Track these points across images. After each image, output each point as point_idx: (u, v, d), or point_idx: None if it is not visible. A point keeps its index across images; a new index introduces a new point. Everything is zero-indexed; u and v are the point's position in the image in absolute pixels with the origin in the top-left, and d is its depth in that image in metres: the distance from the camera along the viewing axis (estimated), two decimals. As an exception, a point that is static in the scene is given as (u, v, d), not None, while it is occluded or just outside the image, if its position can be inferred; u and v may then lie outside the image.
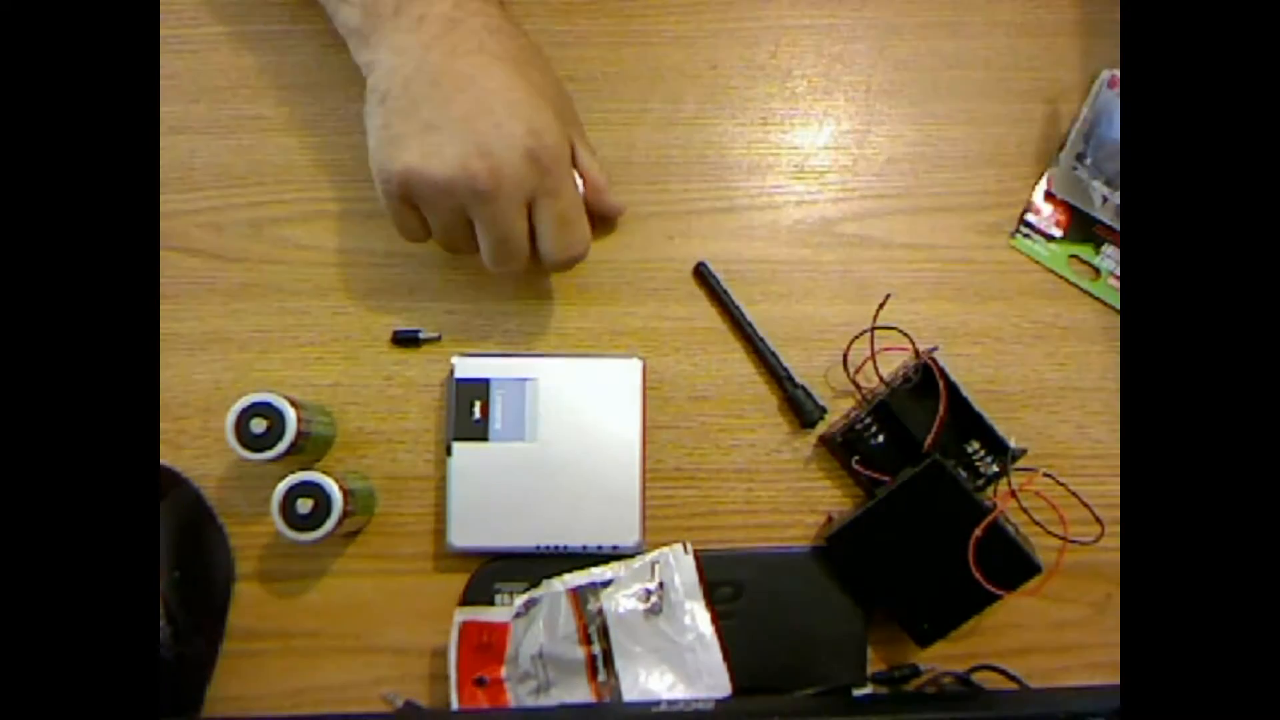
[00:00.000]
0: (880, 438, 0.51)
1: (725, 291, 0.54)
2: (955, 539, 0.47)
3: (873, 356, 0.52)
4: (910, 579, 0.49)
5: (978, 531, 0.47)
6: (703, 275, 0.54)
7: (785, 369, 0.53)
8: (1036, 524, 0.51)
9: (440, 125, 0.44)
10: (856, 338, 0.52)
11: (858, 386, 0.52)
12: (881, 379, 0.52)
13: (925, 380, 0.50)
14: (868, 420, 0.51)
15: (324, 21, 0.51)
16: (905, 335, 0.52)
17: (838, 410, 0.53)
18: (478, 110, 0.44)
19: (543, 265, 0.48)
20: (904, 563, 0.49)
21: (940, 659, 0.50)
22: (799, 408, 0.53)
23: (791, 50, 0.57)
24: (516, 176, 0.44)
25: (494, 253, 0.47)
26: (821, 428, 0.53)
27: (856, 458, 0.51)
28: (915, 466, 0.49)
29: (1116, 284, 0.54)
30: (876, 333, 0.52)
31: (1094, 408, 0.53)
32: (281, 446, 0.46)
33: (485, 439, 0.50)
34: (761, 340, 0.53)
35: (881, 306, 0.52)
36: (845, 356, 0.52)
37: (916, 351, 0.51)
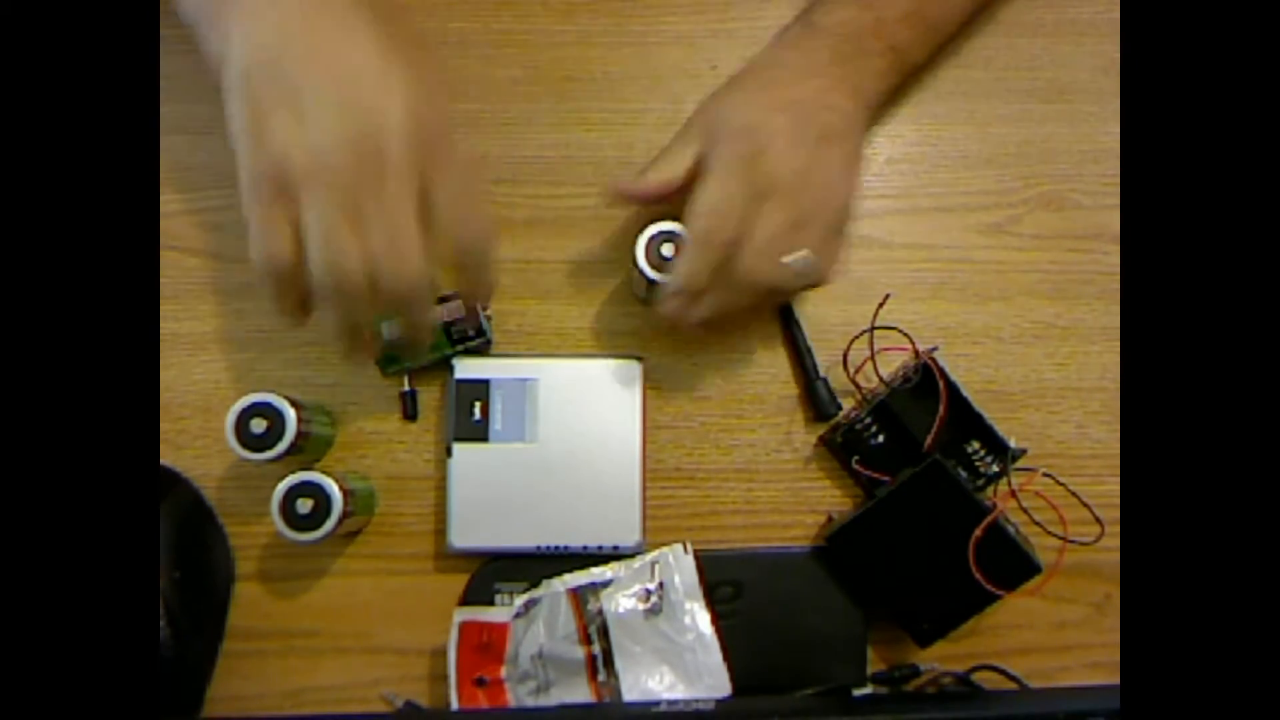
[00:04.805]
0: (880, 438, 0.51)
1: None
2: (955, 539, 0.47)
3: (872, 357, 0.52)
4: (910, 579, 0.49)
5: (978, 531, 0.47)
6: None
7: (814, 359, 0.53)
8: (1036, 524, 0.51)
9: (315, 102, 0.38)
10: (856, 338, 0.52)
11: (858, 386, 0.52)
12: (881, 379, 0.52)
13: (925, 380, 0.50)
14: (868, 420, 0.51)
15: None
16: (905, 335, 0.52)
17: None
18: (354, 78, 0.39)
19: (456, 256, 0.43)
20: (904, 563, 0.49)
21: (940, 659, 0.50)
22: (816, 400, 0.53)
23: (791, 50, 0.57)
24: (402, 150, 0.39)
25: (386, 248, 0.39)
26: (822, 428, 0.53)
27: (856, 458, 0.51)
28: (915, 466, 0.49)
29: None
30: (876, 333, 0.52)
31: (1094, 408, 0.53)
32: (281, 446, 0.46)
33: (485, 440, 0.50)
34: (796, 320, 0.53)
35: (881, 306, 0.52)
36: (845, 356, 0.52)
37: (916, 351, 0.51)
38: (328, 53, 0.39)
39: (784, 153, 0.46)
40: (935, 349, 0.51)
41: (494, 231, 0.44)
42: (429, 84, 0.41)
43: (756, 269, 0.46)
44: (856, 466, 0.51)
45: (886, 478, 0.50)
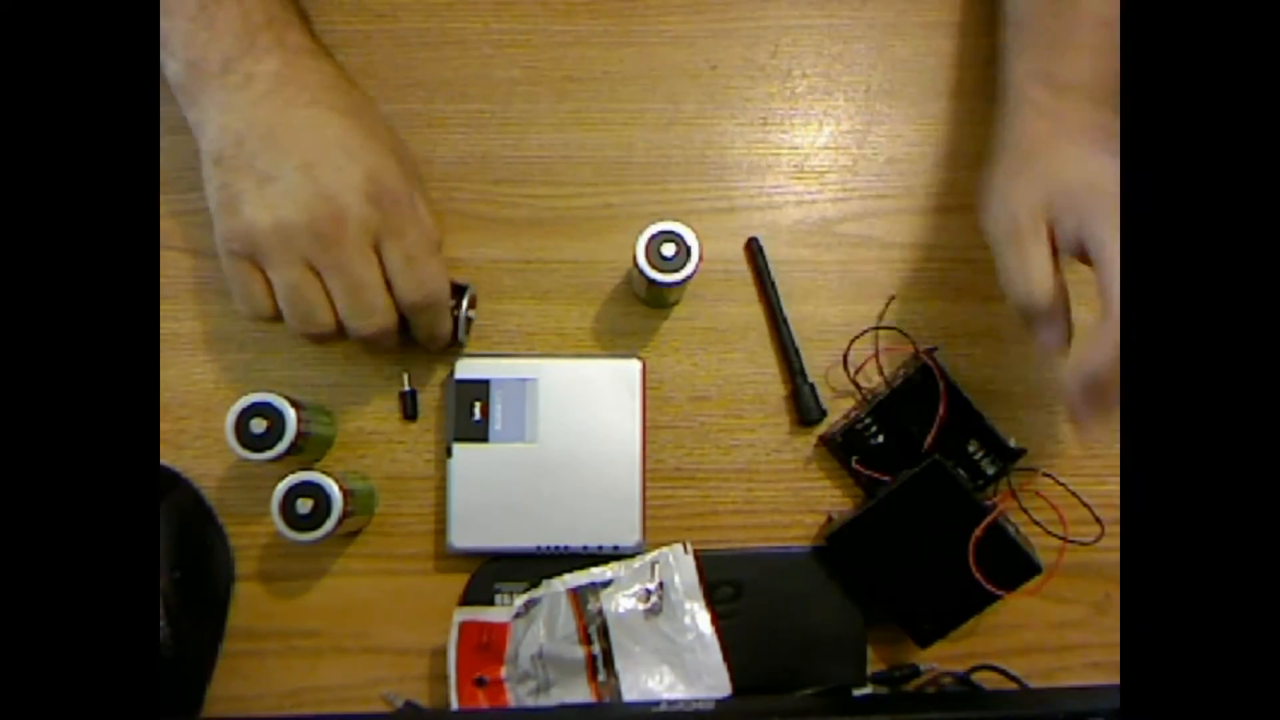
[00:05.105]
0: (880, 438, 0.51)
1: (768, 271, 0.54)
2: (955, 539, 0.47)
3: (875, 356, 0.52)
4: (910, 579, 0.49)
5: (978, 531, 0.47)
6: (753, 251, 0.54)
7: (801, 363, 0.53)
8: (1036, 524, 0.51)
9: (278, 175, 0.43)
10: (856, 338, 0.52)
11: (858, 386, 0.52)
12: (882, 379, 0.52)
13: (925, 380, 0.50)
14: (868, 420, 0.51)
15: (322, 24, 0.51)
16: (905, 335, 0.52)
17: (838, 410, 0.53)
18: (315, 158, 0.43)
19: (405, 314, 0.47)
20: (904, 563, 0.49)
21: (940, 659, 0.50)
22: (801, 404, 0.53)
23: (791, 50, 0.57)
24: (360, 217, 0.44)
25: (349, 305, 0.45)
26: (821, 428, 0.53)
27: (856, 458, 0.51)
28: (915, 466, 0.49)
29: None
30: (877, 333, 0.52)
31: (1094, 408, 0.53)
32: (281, 446, 0.46)
33: (485, 440, 0.50)
34: (785, 323, 0.53)
35: (886, 307, 0.52)
36: (845, 356, 0.52)
37: (916, 351, 0.51)
38: (293, 137, 0.44)
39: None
40: (935, 349, 0.51)
41: (444, 291, 0.48)
42: (391, 158, 0.46)
43: None
44: (856, 466, 0.51)
45: (887, 478, 0.50)
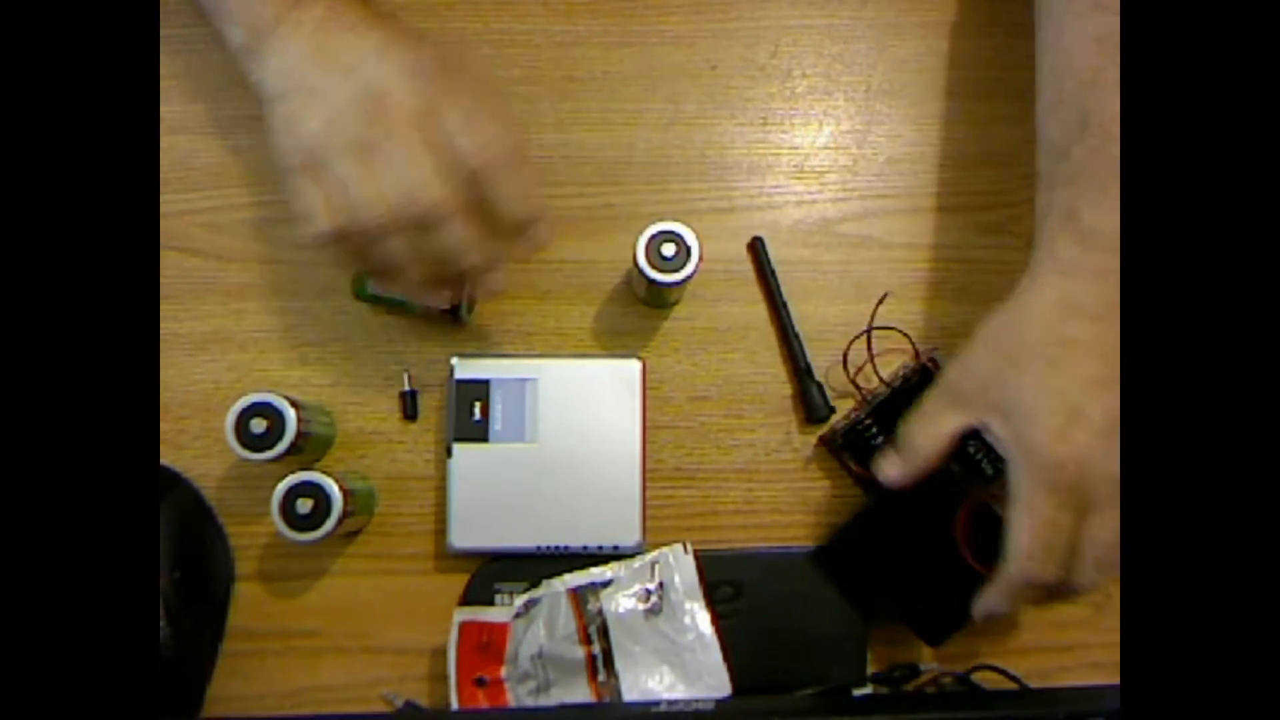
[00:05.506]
0: (880, 439, 0.51)
1: (771, 271, 0.54)
2: (954, 537, 0.47)
3: (871, 358, 0.52)
4: (915, 579, 0.49)
5: (960, 515, 0.47)
6: (756, 251, 0.54)
7: (807, 361, 0.53)
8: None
9: (323, 87, 0.45)
10: (856, 338, 0.52)
11: (858, 387, 0.52)
12: (881, 380, 0.52)
13: (925, 380, 0.50)
14: (868, 421, 0.51)
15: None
16: (905, 336, 0.52)
17: (838, 411, 0.53)
18: (355, 61, 0.45)
19: (480, 187, 0.44)
20: (907, 564, 0.49)
21: (940, 659, 0.50)
22: (809, 402, 0.53)
23: (791, 50, 0.57)
24: (405, 91, 0.44)
25: (401, 178, 0.43)
26: (822, 428, 0.53)
27: (855, 463, 0.51)
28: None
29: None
30: (877, 333, 0.52)
31: (1094, 408, 0.53)
32: (281, 446, 0.46)
33: (485, 440, 0.50)
34: (790, 322, 0.53)
35: (879, 304, 0.52)
36: (845, 357, 0.52)
37: (917, 353, 0.51)
38: (334, 55, 0.46)
39: (1103, 454, 0.42)
40: (935, 350, 0.51)
41: (512, 150, 0.45)
42: (435, 56, 0.46)
43: (1092, 585, 0.44)
44: (857, 470, 0.51)
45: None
